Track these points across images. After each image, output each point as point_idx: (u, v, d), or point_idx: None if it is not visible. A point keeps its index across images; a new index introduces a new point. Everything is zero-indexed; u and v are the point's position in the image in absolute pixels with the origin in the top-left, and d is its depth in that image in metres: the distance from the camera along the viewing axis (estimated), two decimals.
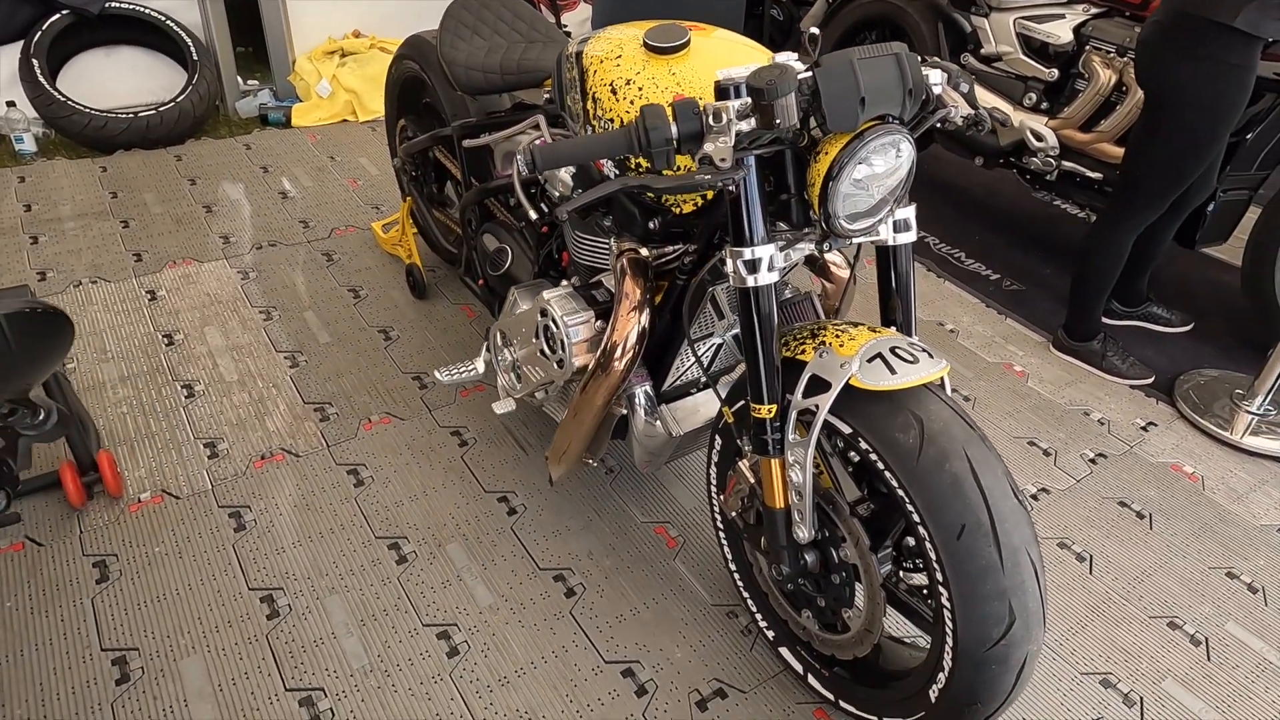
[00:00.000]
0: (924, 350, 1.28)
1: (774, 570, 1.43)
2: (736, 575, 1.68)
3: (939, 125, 1.33)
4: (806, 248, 1.32)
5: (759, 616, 1.65)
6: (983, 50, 3.21)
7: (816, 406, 1.26)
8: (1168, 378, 2.57)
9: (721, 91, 1.15)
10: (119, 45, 3.62)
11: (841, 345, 1.30)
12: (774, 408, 1.31)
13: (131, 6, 3.51)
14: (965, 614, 1.18)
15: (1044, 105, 3.04)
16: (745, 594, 1.67)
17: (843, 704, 1.50)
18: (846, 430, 1.28)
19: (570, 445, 1.62)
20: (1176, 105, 2.18)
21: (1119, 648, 1.74)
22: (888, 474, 1.22)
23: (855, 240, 1.32)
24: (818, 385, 1.27)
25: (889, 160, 1.21)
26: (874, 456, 1.24)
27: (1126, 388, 2.54)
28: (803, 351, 1.33)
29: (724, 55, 1.43)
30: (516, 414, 2.21)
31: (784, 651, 1.61)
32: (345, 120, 3.87)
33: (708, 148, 1.11)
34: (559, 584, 1.79)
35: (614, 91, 1.42)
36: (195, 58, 3.57)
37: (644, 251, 1.54)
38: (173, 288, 2.63)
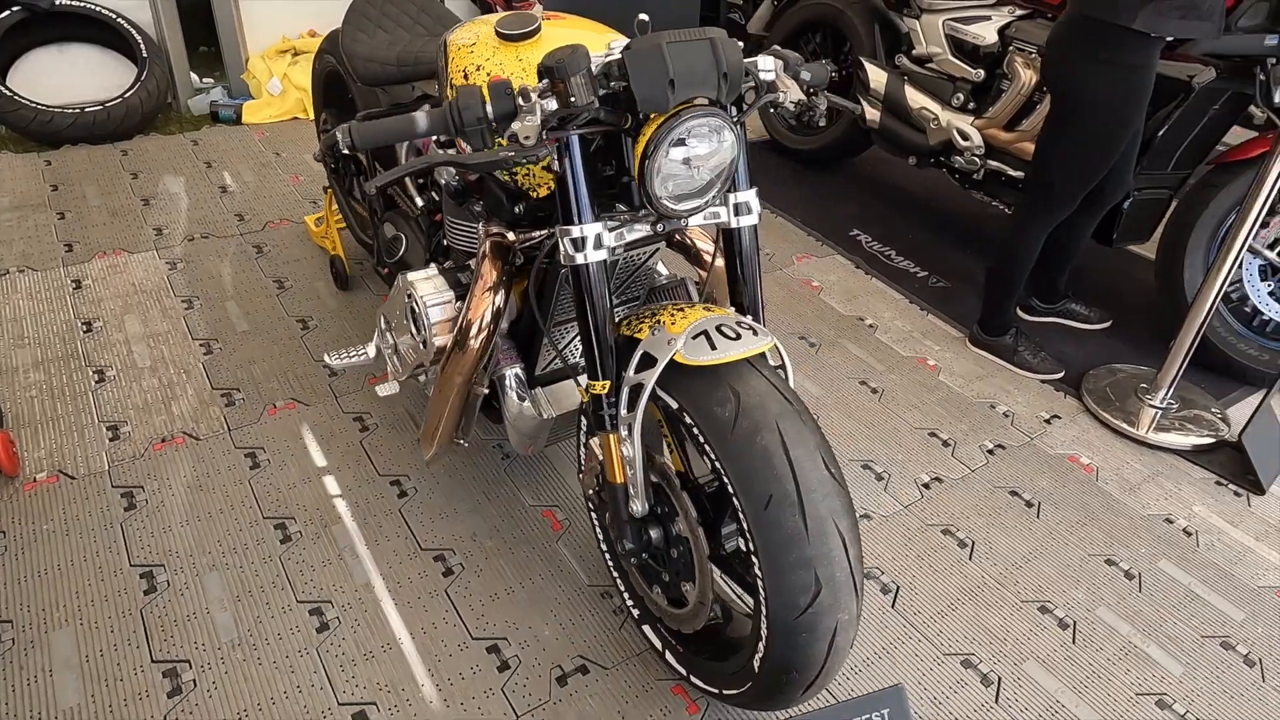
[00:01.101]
0: (751, 328, 1.32)
1: (619, 546, 1.46)
2: (607, 555, 1.71)
3: (772, 109, 1.37)
4: (643, 229, 1.36)
5: (626, 595, 1.68)
6: (915, 51, 3.25)
7: (644, 382, 1.29)
8: (1080, 373, 2.60)
9: (543, 74, 1.19)
10: (71, 42, 3.67)
11: (673, 323, 1.33)
12: (608, 384, 1.34)
13: (83, 4, 3.57)
14: (773, 583, 1.21)
15: (971, 105, 3.08)
16: (615, 573, 1.70)
17: (693, 679, 1.53)
18: (675, 405, 1.31)
19: (437, 425, 1.65)
20: (1080, 105, 2.21)
21: (986, 630, 1.77)
22: (706, 446, 1.26)
23: (687, 221, 1.35)
24: (648, 362, 1.31)
25: (709, 143, 1.25)
26: (696, 430, 1.27)
27: (1037, 382, 2.57)
28: (640, 330, 1.36)
29: (571, 41, 1.47)
30: (420, 400, 2.25)
31: (647, 629, 1.64)
32: (296, 118, 3.92)
33: (515, 126, 1.15)
34: (438, 564, 1.82)
35: (466, 77, 1.46)
36: (145, 55, 3.62)
37: (510, 236, 1.58)
38: (99, 277, 2.67)
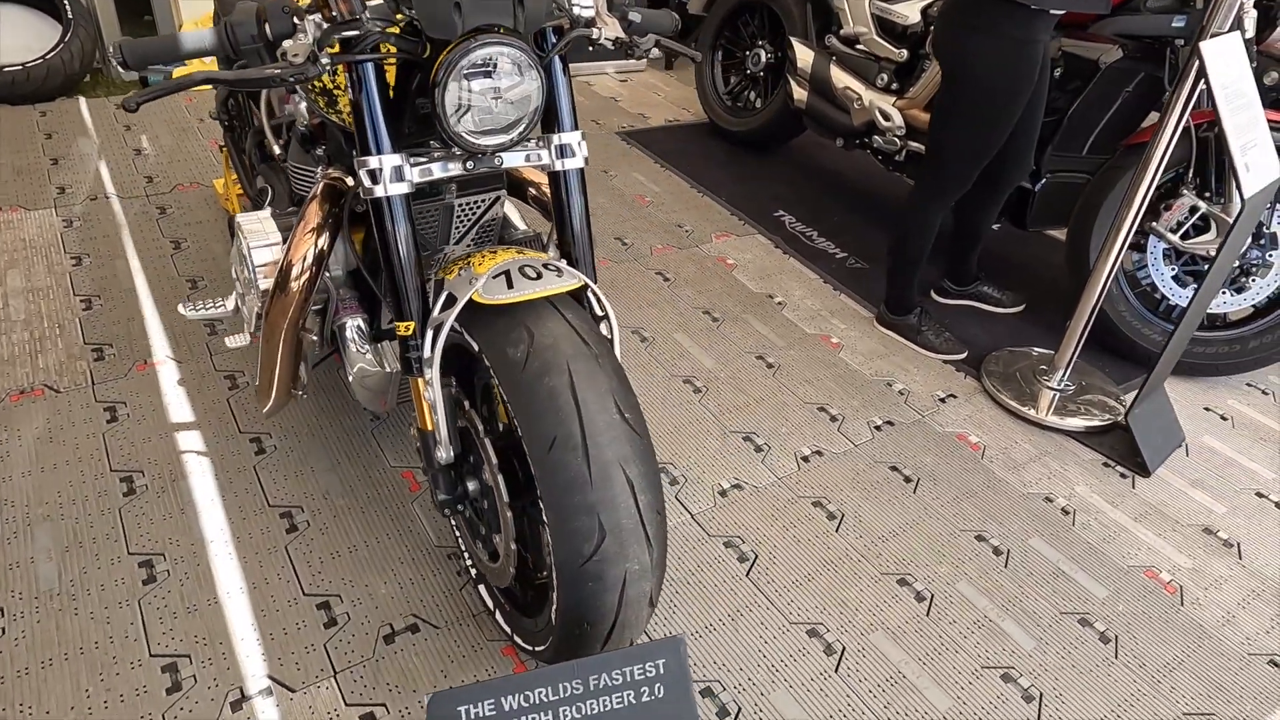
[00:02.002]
0: (556, 269, 1.28)
1: (433, 496, 1.42)
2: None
3: (589, 45, 1.33)
4: (456, 167, 1.31)
5: (466, 555, 1.64)
6: (843, 31, 3.22)
7: (444, 321, 1.25)
8: (985, 354, 2.57)
9: None
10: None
11: (480, 264, 1.29)
12: (412, 325, 1.30)
13: None
14: (558, 529, 1.17)
15: (895, 86, 3.04)
16: (456, 532, 1.66)
17: (515, 638, 1.48)
18: (475, 347, 1.27)
19: (271, 376, 1.60)
20: (966, 79, 2.18)
21: (838, 600, 1.73)
22: (498, 388, 1.22)
23: (501, 160, 1.31)
24: (451, 303, 1.27)
25: (509, 76, 1.21)
26: (491, 372, 1.23)
27: (939, 362, 2.53)
28: (451, 273, 1.32)
29: None
30: None
31: (481, 589, 1.60)
32: None
33: (285, 44, 1.11)
34: (284, 520, 1.77)
35: None
36: (70, 16, 3.56)
37: (350, 181, 1.53)
38: None
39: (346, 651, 1.53)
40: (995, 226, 2.79)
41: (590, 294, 1.37)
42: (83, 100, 3.60)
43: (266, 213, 1.59)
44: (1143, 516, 2.03)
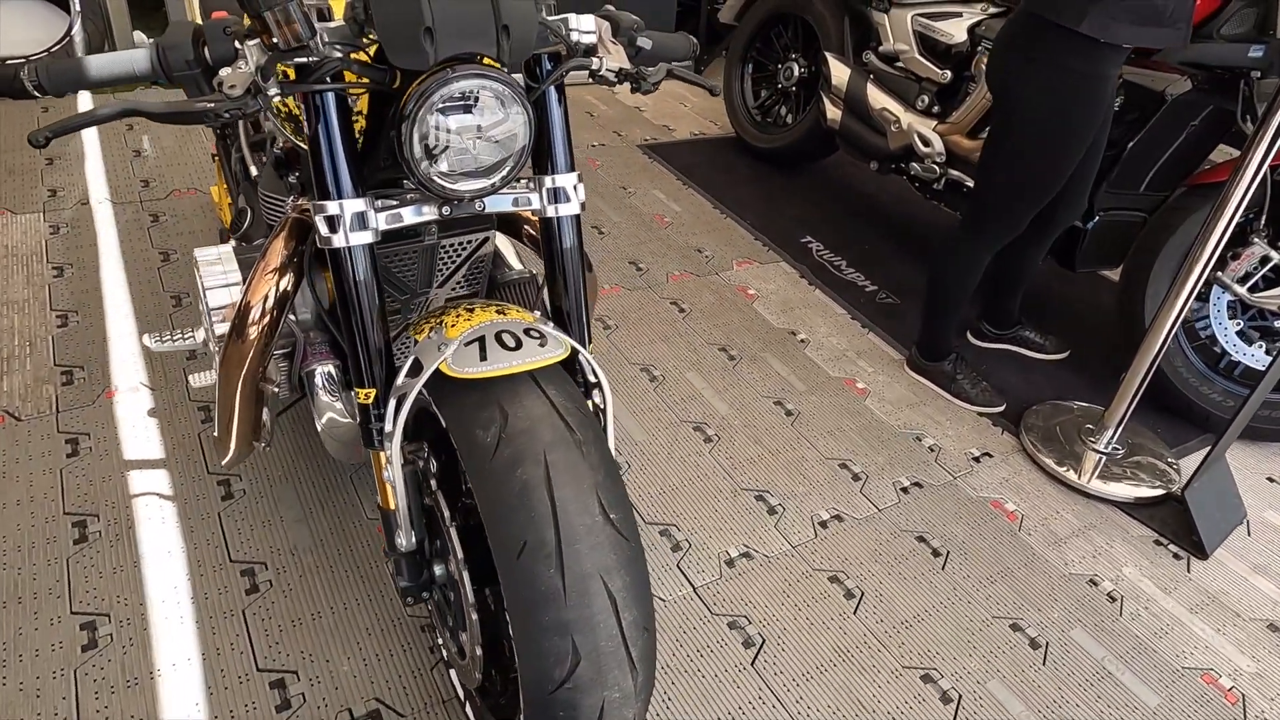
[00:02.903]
0: (539, 335, 1.10)
1: (395, 581, 1.25)
2: None
3: (590, 77, 1.15)
4: (431, 210, 1.14)
5: (436, 632, 1.47)
6: (882, 48, 3.01)
7: (407, 392, 1.08)
8: (1024, 408, 2.36)
9: (243, 5, 0.97)
10: None
11: (454, 325, 1.12)
12: (372, 392, 1.13)
13: None
14: (525, 648, 0.99)
15: (936, 109, 2.84)
16: (430, 607, 1.49)
17: None
18: (444, 423, 1.10)
19: (226, 426, 1.44)
20: (1021, 114, 1.97)
21: (854, 700, 1.54)
22: (466, 475, 1.04)
23: (483, 204, 1.14)
24: (417, 369, 1.10)
25: (492, 112, 1.03)
26: (460, 456, 1.06)
27: (973, 415, 2.33)
28: (422, 332, 1.15)
29: None
30: None
31: (453, 673, 1.43)
32: None
33: (223, 73, 0.94)
34: (245, 578, 1.61)
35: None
36: (78, 7, 3.45)
37: None
38: None
39: None
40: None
41: (581, 359, 1.20)
42: (88, 96, 3.48)
43: (228, 247, 1.42)
44: (1199, 607, 1.82)
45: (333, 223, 1.06)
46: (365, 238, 1.08)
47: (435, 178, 1.05)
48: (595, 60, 1.12)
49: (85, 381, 2.02)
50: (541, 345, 1.09)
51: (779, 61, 3.61)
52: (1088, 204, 2.41)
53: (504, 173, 1.09)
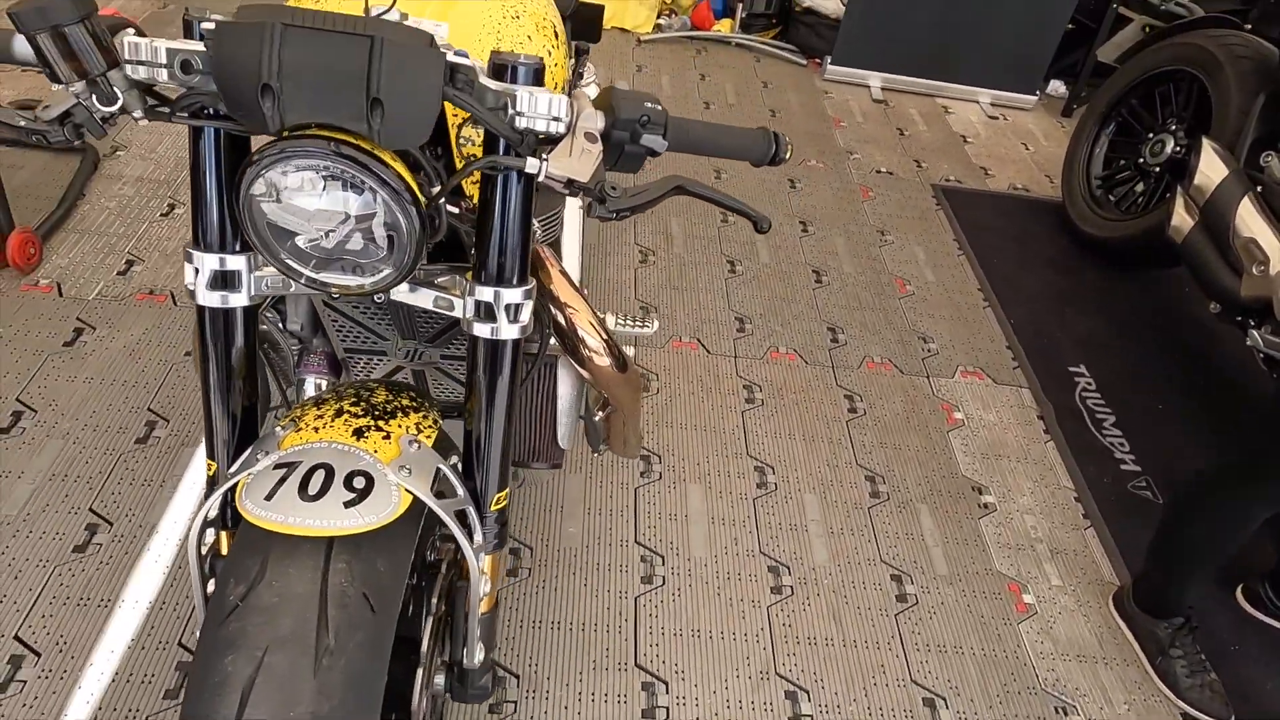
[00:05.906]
0: (366, 485, 0.85)
1: None
2: None
3: (538, 187, 0.83)
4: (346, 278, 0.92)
5: None
6: None
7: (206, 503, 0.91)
8: None
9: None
10: None
11: (300, 431, 0.91)
12: (214, 466, 0.97)
13: None
14: None
15: None
16: None
17: None
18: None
19: None
20: None
21: None
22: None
23: (377, 297, 0.90)
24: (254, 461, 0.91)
25: (332, 195, 0.78)
26: (209, 597, 0.87)
27: (1174, 711, 1.63)
28: (282, 421, 0.96)
29: None
30: None
31: None
32: None
33: (47, 95, 0.78)
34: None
35: None
36: None
37: None
38: None
39: None
40: None
41: (454, 532, 0.92)
42: None
43: None
44: None
45: (221, 278, 0.89)
46: (240, 300, 0.90)
47: (289, 260, 0.83)
48: (534, 162, 0.79)
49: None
50: (354, 503, 0.84)
51: (1150, 130, 2.76)
52: None
53: (380, 275, 0.84)
